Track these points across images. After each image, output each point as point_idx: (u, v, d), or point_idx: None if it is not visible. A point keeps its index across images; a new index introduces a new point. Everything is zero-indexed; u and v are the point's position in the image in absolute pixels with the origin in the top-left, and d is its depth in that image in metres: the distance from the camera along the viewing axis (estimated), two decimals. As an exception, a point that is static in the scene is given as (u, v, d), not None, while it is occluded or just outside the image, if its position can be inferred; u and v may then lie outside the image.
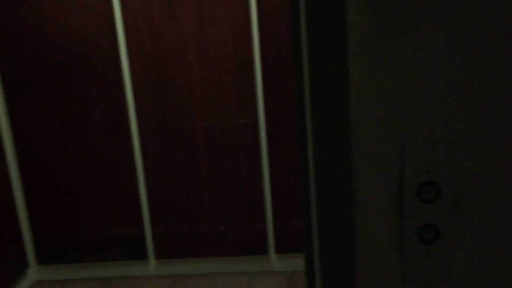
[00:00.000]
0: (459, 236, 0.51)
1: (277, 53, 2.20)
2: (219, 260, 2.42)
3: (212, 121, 2.29)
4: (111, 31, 2.20)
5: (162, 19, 2.18)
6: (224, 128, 2.29)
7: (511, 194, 0.49)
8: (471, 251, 0.51)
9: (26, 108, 2.30)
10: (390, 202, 0.50)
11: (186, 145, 2.32)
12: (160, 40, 2.20)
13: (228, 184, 2.35)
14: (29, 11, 2.18)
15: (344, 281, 0.52)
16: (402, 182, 0.50)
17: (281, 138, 2.29)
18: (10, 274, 2.30)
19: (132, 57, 2.23)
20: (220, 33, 2.19)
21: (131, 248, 2.43)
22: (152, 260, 2.44)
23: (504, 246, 0.51)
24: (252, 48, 2.20)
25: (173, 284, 2.38)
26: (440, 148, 0.49)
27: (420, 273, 0.51)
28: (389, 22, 0.46)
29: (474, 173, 0.49)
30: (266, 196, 2.34)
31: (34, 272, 2.45)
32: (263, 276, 2.36)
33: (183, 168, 2.35)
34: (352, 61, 0.47)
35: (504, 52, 0.46)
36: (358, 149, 0.49)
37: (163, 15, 2.18)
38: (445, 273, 0.51)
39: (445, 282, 0.52)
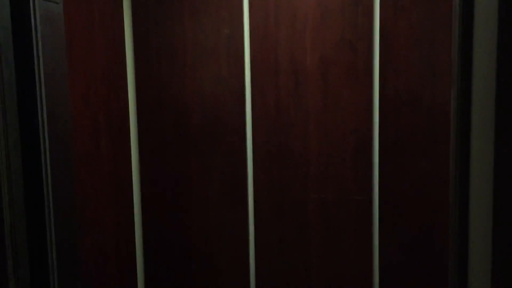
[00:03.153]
0: None
1: (395, 135, 2.26)
2: (321, 336, 2.39)
3: (327, 195, 2.35)
4: (240, 103, 2.38)
5: (288, 96, 2.34)
6: (338, 203, 2.35)
7: None
8: None
9: (157, 166, 2.50)
10: None
11: (298, 216, 2.39)
12: (284, 114, 2.35)
13: (336, 260, 2.36)
14: (172, 78, 2.43)
15: None
16: None
17: (393, 218, 2.30)
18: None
19: (256, 129, 2.38)
20: (342, 112, 2.30)
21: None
22: (253, 328, 2.46)
23: None
24: (372, 128, 2.28)
25: None
26: None
27: None
28: None
29: None
30: (374, 276, 2.32)
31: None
32: None
33: (293, 237, 2.40)
34: None
35: None
36: None
37: (289, 92, 2.33)
38: None
39: None
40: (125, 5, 2.40)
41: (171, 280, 2.55)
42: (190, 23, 2.38)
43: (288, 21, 2.30)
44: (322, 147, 2.34)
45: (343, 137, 2.31)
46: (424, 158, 2.25)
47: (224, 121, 2.41)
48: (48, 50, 0.79)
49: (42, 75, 0.77)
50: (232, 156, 2.42)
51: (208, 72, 2.40)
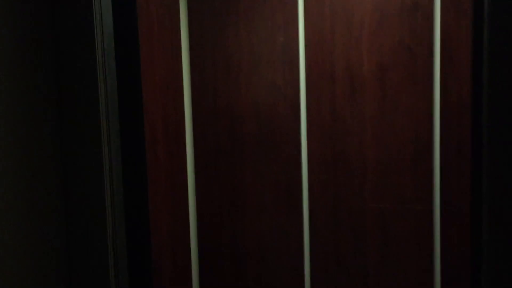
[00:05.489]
0: None
1: (457, 144, 2.18)
2: None
3: (384, 204, 2.29)
4: (295, 111, 2.36)
5: (344, 103, 2.30)
6: (397, 213, 2.28)
7: None
8: None
9: (211, 174, 2.51)
10: None
11: (355, 226, 2.34)
12: (340, 122, 2.32)
13: (394, 271, 2.29)
14: (226, 87, 2.44)
15: None
16: None
17: (456, 228, 2.22)
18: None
19: (311, 137, 2.36)
20: (400, 119, 2.25)
21: (289, 323, 2.43)
22: None
23: None
24: (432, 136, 2.21)
25: None
26: None
27: None
28: None
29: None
30: (436, 288, 2.24)
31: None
32: None
33: (349, 247, 2.35)
34: None
35: None
36: None
37: (345, 99, 2.30)
38: None
39: None
40: (182, 16, 2.44)
41: (225, 286, 2.55)
42: (245, 31, 2.40)
43: (344, 27, 2.27)
44: (379, 155, 2.29)
45: (402, 145, 2.26)
46: (488, 166, 2.16)
47: (279, 129, 2.40)
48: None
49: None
50: (287, 164, 2.40)
51: (263, 80, 2.40)
